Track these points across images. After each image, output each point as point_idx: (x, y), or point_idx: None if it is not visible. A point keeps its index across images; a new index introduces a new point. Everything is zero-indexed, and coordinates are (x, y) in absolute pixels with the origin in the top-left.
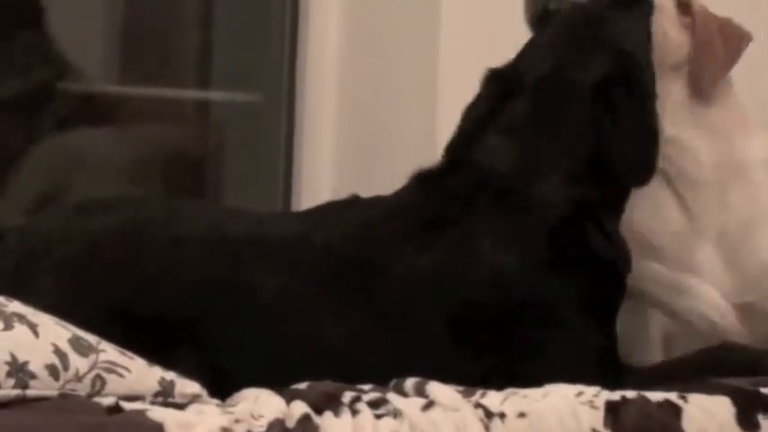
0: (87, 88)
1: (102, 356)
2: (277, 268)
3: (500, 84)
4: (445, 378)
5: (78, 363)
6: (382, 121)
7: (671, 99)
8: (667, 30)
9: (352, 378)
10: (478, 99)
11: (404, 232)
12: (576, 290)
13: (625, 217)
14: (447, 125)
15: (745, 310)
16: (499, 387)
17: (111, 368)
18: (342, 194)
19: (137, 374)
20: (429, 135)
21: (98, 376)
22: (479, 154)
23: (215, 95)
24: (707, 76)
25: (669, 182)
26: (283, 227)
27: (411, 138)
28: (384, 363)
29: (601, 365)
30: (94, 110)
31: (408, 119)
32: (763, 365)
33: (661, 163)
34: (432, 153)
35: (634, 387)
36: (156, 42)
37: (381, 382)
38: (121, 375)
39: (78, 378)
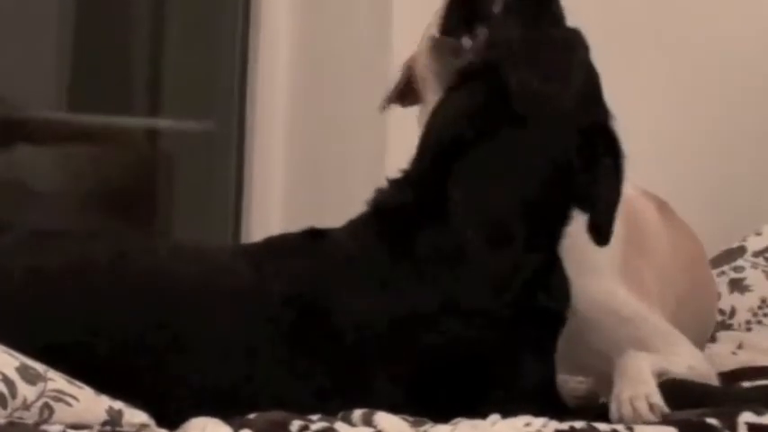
0: (34, 115)
1: (51, 385)
2: (227, 318)
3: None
4: None
5: (26, 391)
6: (333, 151)
7: None
8: None
9: None
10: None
11: (354, 280)
12: (520, 336)
13: None
14: (397, 155)
15: None
16: None
17: (59, 397)
18: (292, 224)
19: (85, 403)
20: (379, 165)
21: (46, 404)
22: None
23: (164, 123)
24: None
25: None
26: (234, 273)
27: (361, 168)
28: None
29: (543, 400)
30: (41, 137)
31: (359, 149)
32: (709, 399)
33: None
34: (381, 182)
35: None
36: (105, 69)
37: None
38: (69, 404)
39: (26, 406)
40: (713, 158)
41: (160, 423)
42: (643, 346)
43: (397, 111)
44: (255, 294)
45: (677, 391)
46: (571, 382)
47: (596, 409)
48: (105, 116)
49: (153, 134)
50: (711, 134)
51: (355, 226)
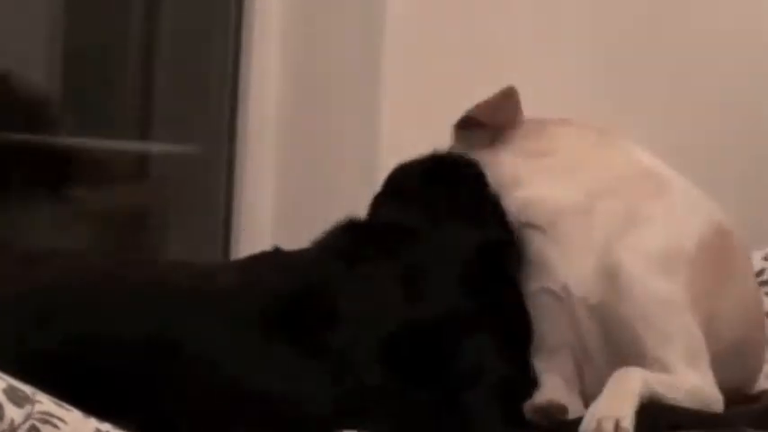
0: (26, 138)
1: (38, 407)
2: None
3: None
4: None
5: (13, 413)
6: (322, 174)
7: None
8: None
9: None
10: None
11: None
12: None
13: None
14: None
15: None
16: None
17: (47, 419)
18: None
19: (72, 426)
20: (369, 188)
21: (33, 427)
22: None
23: (154, 147)
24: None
25: None
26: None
27: (351, 191)
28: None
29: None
30: (33, 161)
31: (348, 172)
32: (688, 424)
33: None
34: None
35: None
36: (96, 92)
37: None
38: (57, 426)
39: (13, 429)
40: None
41: None
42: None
43: (388, 134)
44: (244, 291)
45: (658, 414)
46: None
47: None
48: (97, 140)
49: (144, 158)
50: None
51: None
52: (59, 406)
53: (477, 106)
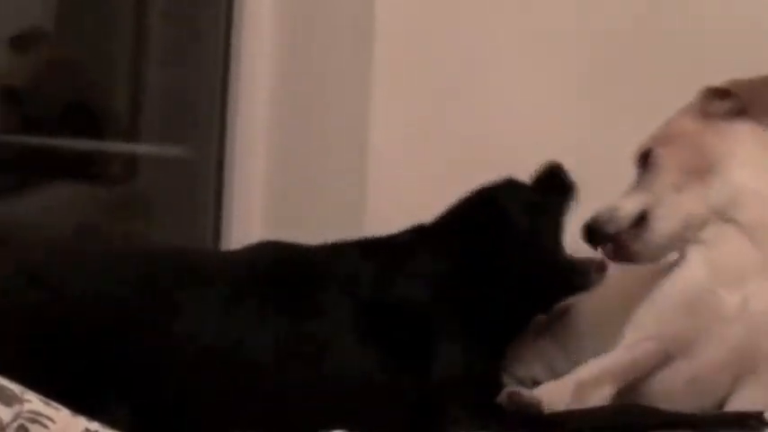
0: (12, 140)
1: (27, 406)
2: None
3: None
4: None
5: (2, 413)
6: (312, 176)
7: (740, 155)
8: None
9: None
10: None
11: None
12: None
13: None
14: (377, 181)
15: None
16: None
17: (35, 418)
18: None
19: (61, 425)
20: (359, 190)
21: (21, 426)
22: None
23: (143, 149)
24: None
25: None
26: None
27: (340, 193)
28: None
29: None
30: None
31: (338, 174)
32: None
33: (741, 213)
34: (361, 208)
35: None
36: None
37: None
38: (45, 426)
39: (2, 428)
40: None
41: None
42: None
43: (378, 137)
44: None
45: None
46: None
47: None
48: (85, 141)
49: (132, 159)
50: None
51: None
52: (48, 405)
53: (736, 81)
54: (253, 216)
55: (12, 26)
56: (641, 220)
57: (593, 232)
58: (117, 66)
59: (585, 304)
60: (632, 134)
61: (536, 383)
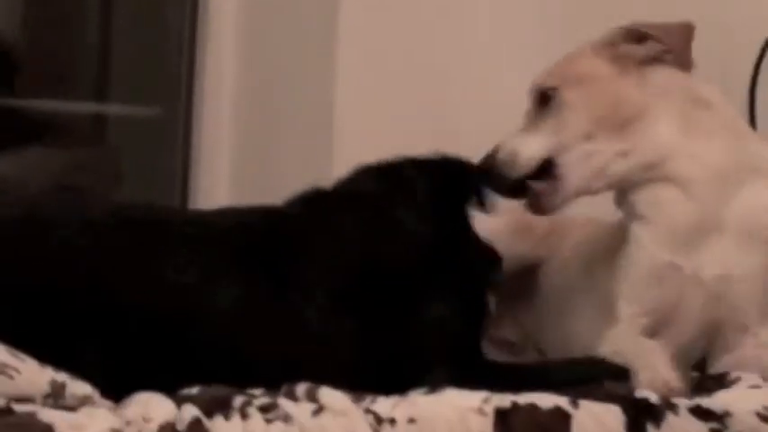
0: None
1: None
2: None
3: None
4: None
5: None
6: (278, 137)
7: (662, 113)
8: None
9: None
10: None
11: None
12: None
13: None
14: (343, 138)
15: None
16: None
17: (1, 369)
18: None
19: (27, 376)
20: (325, 150)
21: None
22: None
23: (112, 109)
24: (683, 52)
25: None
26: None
27: (307, 153)
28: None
29: (456, 349)
30: None
31: (304, 134)
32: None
33: (672, 169)
34: (327, 166)
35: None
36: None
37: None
38: (11, 377)
39: None
40: None
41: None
42: None
43: (344, 95)
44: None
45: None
46: None
47: None
48: (53, 101)
49: (101, 120)
50: None
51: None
52: (14, 356)
53: (651, 25)
54: (220, 175)
55: None
56: (548, 166)
57: (496, 177)
58: (88, 27)
59: (549, 267)
60: None
61: (507, 343)
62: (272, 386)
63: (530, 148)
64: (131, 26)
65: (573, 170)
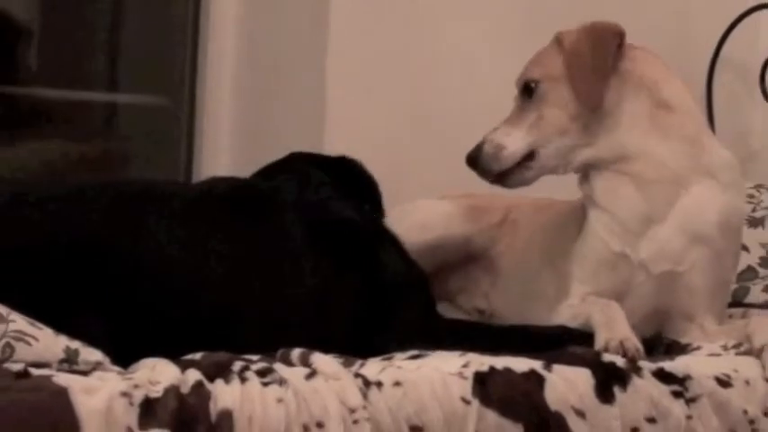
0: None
1: (12, 326)
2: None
3: None
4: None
5: None
6: (273, 123)
7: (627, 115)
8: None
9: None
10: None
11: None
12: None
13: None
14: (334, 126)
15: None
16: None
17: (20, 337)
18: None
19: (44, 343)
20: (316, 136)
21: (8, 344)
22: None
23: (123, 98)
24: (582, 88)
25: (634, 180)
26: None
27: (300, 138)
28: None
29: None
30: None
31: (297, 121)
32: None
33: (630, 167)
34: (317, 142)
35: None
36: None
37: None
38: (29, 344)
39: None
40: None
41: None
42: None
43: (334, 89)
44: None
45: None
46: None
47: None
48: (69, 91)
49: (112, 108)
50: None
51: None
52: (32, 324)
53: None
54: (221, 158)
55: None
56: (527, 155)
57: (481, 168)
58: (100, 22)
59: (506, 244)
60: None
61: (479, 312)
62: (265, 342)
63: (513, 144)
64: (140, 21)
65: (545, 159)
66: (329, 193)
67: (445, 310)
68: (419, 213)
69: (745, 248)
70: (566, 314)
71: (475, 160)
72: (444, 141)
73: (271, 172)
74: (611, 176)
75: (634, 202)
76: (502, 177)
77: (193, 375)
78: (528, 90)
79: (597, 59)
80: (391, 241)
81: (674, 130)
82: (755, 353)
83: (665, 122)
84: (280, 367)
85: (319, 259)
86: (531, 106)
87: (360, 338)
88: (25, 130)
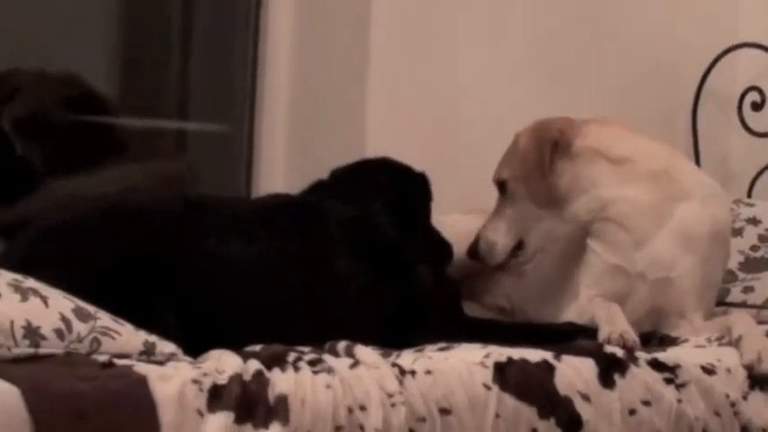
0: (92, 119)
1: (99, 323)
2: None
3: None
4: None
5: (80, 327)
6: (322, 149)
7: (590, 180)
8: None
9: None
10: None
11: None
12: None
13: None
14: (374, 146)
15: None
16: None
17: (106, 332)
18: None
19: (126, 337)
20: (359, 152)
21: (95, 339)
22: None
23: (191, 126)
24: (531, 187)
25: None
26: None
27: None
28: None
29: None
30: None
31: (342, 149)
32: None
33: (611, 212)
34: None
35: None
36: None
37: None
38: (113, 338)
39: (79, 340)
40: None
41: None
42: None
43: (373, 116)
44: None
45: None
46: None
47: None
48: (143, 120)
49: (182, 135)
50: None
51: None
52: (115, 321)
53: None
54: (276, 178)
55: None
56: (518, 244)
57: (481, 260)
58: (171, 57)
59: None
60: (575, 107)
61: (501, 309)
62: (315, 336)
63: (502, 239)
64: (206, 57)
65: (536, 243)
66: (379, 208)
67: (471, 309)
68: (449, 228)
69: None
70: (574, 312)
71: (475, 254)
72: (473, 161)
73: (337, 180)
74: (598, 223)
75: (622, 235)
76: (501, 266)
77: (254, 365)
78: (502, 188)
79: (538, 161)
80: (429, 255)
81: (636, 174)
82: (734, 343)
83: (627, 172)
84: (328, 358)
85: (361, 268)
86: (507, 202)
87: (394, 337)
88: (107, 157)
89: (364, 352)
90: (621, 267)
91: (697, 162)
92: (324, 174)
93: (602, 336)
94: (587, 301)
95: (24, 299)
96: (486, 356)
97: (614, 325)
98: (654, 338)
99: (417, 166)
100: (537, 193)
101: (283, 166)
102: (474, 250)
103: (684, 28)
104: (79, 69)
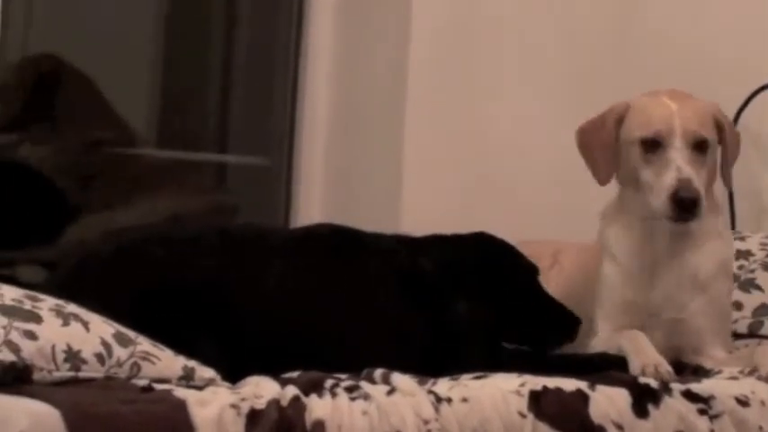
0: (129, 151)
1: (139, 348)
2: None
3: None
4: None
5: (120, 352)
6: (359, 181)
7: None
8: None
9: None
10: None
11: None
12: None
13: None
14: (410, 183)
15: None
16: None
17: (146, 357)
18: None
19: (165, 362)
20: (395, 187)
21: (135, 363)
22: None
23: (231, 159)
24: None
25: None
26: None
27: (380, 200)
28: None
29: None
30: (133, 171)
31: (378, 182)
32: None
33: None
34: (395, 198)
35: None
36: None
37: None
38: (153, 363)
39: (119, 364)
40: None
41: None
42: None
43: (410, 151)
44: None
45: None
46: None
47: None
48: (185, 153)
49: (222, 167)
50: None
51: None
52: (155, 346)
53: None
54: (313, 210)
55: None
56: None
57: (682, 199)
58: (211, 93)
59: (555, 284)
60: None
61: None
62: (352, 363)
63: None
64: (247, 91)
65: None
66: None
67: None
68: None
69: (759, 288)
70: (597, 348)
71: (679, 196)
72: (503, 194)
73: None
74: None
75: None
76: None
77: (291, 390)
78: (701, 146)
79: None
80: (469, 292)
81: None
82: (764, 379)
83: None
84: (364, 384)
85: (398, 300)
86: (699, 156)
87: (430, 367)
88: (146, 188)
89: (401, 379)
90: (635, 303)
91: (731, 198)
92: (360, 207)
93: (635, 369)
94: (608, 334)
95: (66, 323)
96: (522, 385)
97: (646, 356)
98: (686, 368)
99: (454, 202)
100: None
101: (321, 198)
102: (679, 193)
103: (719, 65)
104: (121, 103)
